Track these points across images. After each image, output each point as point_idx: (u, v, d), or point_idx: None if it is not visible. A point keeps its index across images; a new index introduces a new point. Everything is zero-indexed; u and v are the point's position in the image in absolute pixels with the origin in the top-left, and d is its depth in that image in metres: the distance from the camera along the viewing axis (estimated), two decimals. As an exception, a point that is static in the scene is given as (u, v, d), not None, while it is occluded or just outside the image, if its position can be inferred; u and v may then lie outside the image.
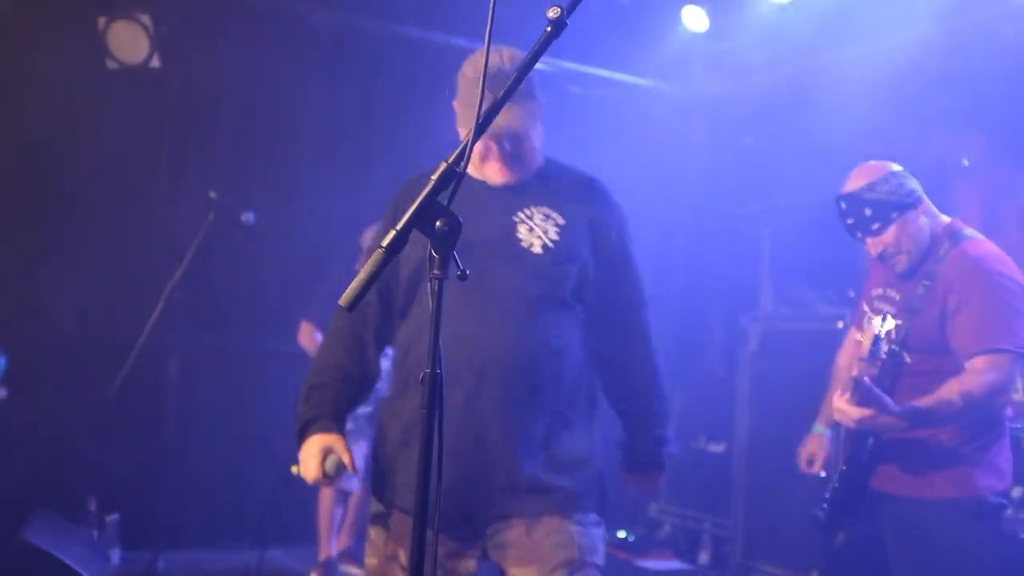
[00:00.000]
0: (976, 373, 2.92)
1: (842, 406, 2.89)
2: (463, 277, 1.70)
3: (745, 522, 5.86)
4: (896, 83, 6.13)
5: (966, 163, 5.35)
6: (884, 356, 3.17)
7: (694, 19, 6.71)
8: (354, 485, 5.43)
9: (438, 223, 1.66)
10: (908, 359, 3.13)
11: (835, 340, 5.47)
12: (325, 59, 6.47)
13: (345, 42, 6.51)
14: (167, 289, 4.72)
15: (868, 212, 3.15)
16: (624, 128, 7.13)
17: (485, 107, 1.73)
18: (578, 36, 7.16)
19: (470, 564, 2.42)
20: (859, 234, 3.21)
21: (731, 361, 6.35)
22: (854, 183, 3.21)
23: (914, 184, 3.21)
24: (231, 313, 6.15)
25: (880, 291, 3.33)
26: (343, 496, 5.47)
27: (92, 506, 5.30)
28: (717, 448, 6.30)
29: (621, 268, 2.61)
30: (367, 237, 5.50)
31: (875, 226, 3.16)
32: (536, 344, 2.39)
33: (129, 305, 5.18)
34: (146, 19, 5.63)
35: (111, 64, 5.64)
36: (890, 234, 3.16)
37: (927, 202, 3.23)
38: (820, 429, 3.57)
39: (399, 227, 1.64)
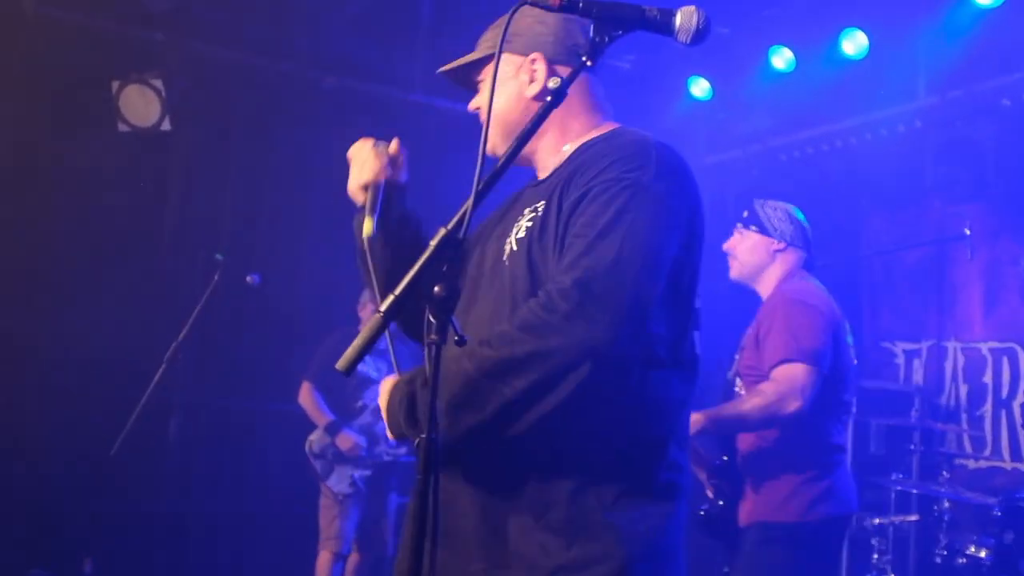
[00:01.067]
0: (772, 382, 3.40)
1: None
2: (460, 343, 1.70)
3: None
4: (897, 152, 6.19)
5: (967, 232, 5.39)
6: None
7: (699, 88, 6.82)
8: (347, 548, 5.41)
9: (436, 288, 1.67)
10: (739, 386, 3.69)
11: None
12: (333, 124, 6.55)
13: (353, 107, 6.60)
14: (171, 349, 4.74)
15: (746, 214, 3.82)
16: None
17: (486, 172, 1.75)
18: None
19: None
20: (737, 224, 3.82)
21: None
22: None
23: (792, 230, 3.74)
24: (234, 374, 6.16)
25: None
26: (340, 558, 5.43)
27: (87, 568, 5.26)
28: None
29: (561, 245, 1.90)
30: (365, 302, 5.55)
31: (738, 224, 3.81)
32: None
33: (132, 364, 5.19)
34: (158, 83, 5.73)
35: (123, 127, 5.73)
36: (739, 238, 3.78)
37: (793, 252, 3.74)
38: None
39: (396, 293, 1.66)
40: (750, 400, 3.43)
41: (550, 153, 2.14)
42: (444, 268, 1.69)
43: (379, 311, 1.65)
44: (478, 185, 1.74)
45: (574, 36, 2.11)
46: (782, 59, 6.20)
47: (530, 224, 1.98)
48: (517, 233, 2.00)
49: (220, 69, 6.17)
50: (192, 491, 5.87)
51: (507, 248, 2.00)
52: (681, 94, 6.92)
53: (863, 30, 5.83)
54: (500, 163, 1.84)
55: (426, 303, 1.67)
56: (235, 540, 6.10)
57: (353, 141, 2.31)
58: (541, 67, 2.13)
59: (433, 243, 1.70)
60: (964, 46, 5.64)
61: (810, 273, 3.78)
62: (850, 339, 3.67)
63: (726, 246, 3.81)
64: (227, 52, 6.16)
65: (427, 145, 6.70)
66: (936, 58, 5.91)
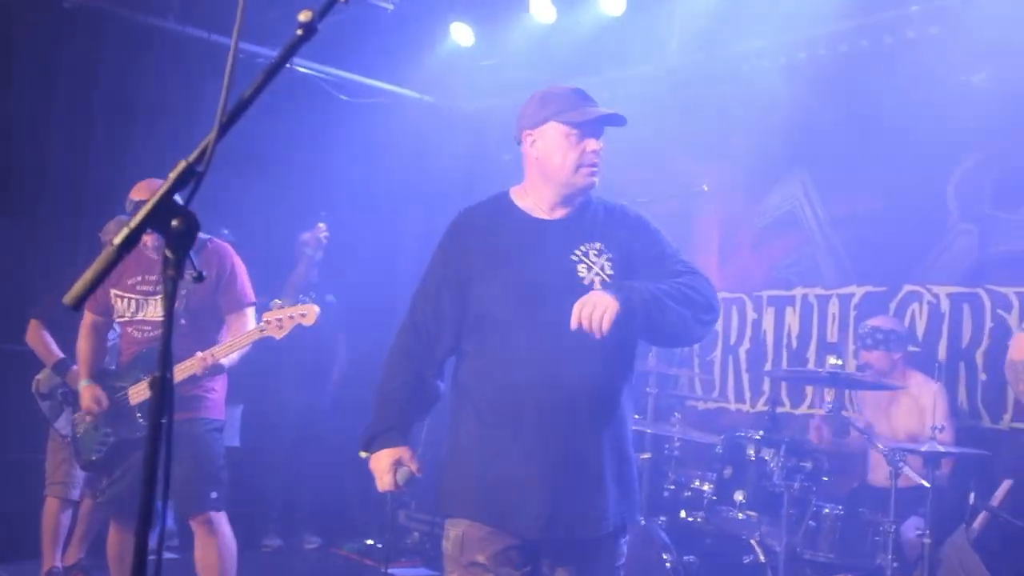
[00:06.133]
0: None
1: None
2: (199, 279, 1.66)
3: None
4: (647, 109, 6.45)
5: (705, 188, 5.72)
6: None
7: (461, 34, 6.84)
8: (77, 493, 5.15)
9: (174, 222, 1.61)
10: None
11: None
12: (78, 48, 6.12)
13: (100, 31, 6.18)
14: None
15: None
16: (390, 136, 7.15)
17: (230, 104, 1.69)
18: (346, 44, 7.09)
19: None
20: None
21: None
22: None
23: None
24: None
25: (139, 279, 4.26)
26: (69, 504, 5.16)
27: None
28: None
29: (657, 263, 2.81)
30: (109, 231, 5.25)
31: None
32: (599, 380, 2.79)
33: None
34: None
35: None
36: None
37: None
38: None
39: (132, 225, 1.58)
40: None
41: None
42: (183, 201, 1.63)
43: (113, 243, 1.58)
44: (221, 118, 1.69)
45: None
46: (543, 11, 6.33)
47: (611, 264, 2.78)
48: (603, 269, 2.75)
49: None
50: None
51: (593, 278, 2.74)
52: (443, 39, 6.93)
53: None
54: (246, 95, 1.78)
55: (164, 238, 1.61)
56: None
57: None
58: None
59: (172, 175, 1.64)
60: (712, 13, 5.94)
61: None
62: None
63: None
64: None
65: (180, 74, 6.39)
66: (687, 22, 6.20)
